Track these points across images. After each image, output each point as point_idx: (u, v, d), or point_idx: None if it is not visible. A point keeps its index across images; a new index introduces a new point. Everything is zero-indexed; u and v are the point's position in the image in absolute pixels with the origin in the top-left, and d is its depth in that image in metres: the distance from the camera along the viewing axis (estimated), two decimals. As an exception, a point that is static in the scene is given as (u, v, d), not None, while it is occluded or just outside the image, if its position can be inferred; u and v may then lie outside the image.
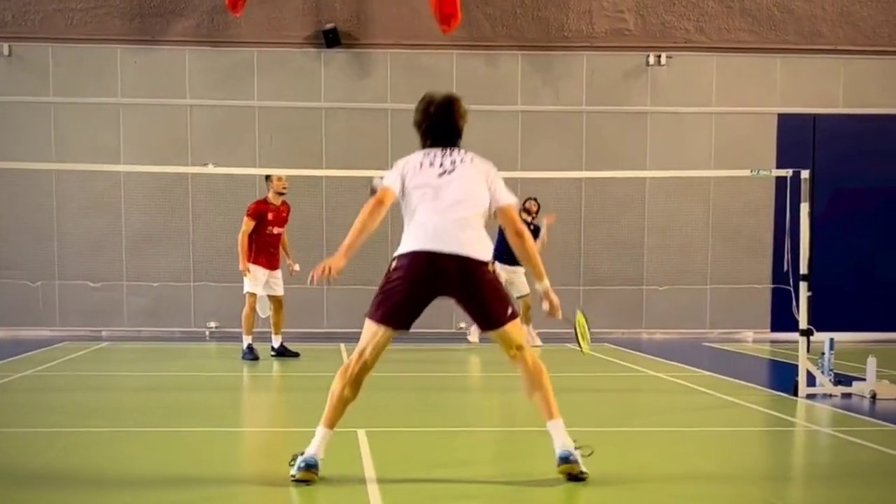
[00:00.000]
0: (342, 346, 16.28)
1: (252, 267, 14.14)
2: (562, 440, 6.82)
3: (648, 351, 16.16)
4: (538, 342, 16.02)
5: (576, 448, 6.78)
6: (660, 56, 19.23)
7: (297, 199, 16.88)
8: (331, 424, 6.72)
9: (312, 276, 6.73)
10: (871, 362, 11.09)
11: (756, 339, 19.02)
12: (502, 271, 14.69)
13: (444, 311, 17.85)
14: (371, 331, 6.83)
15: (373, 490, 6.54)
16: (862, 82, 19.48)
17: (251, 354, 14.15)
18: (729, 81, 19.42)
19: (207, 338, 18.26)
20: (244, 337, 14.31)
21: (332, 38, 18.63)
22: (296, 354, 14.63)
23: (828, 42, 19.41)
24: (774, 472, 7.81)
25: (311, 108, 18.95)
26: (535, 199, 16.69)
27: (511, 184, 19.23)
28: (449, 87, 18.80)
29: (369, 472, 7.07)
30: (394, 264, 6.88)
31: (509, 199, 7.03)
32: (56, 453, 7.78)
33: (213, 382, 12.57)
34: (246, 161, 17.88)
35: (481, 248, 6.78)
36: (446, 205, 6.75)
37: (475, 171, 6.97)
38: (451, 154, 7.00)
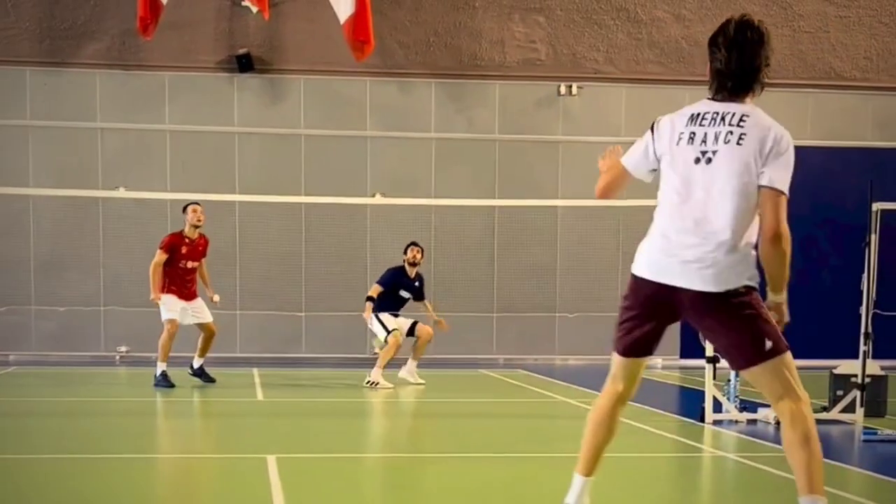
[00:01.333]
0: (255, 370, 16.20)
1: (165, 296, 13.98)
2: None
3: (561, 377, 16.28)
4: (417, 380, 15.00)
5: None
6: (571, 86, 19.45)
7: (210, 224, 16.77)
8: (590, 472, 6.13)
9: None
10: (776, 389, 11.28)
11: (665, 366, 19.22)
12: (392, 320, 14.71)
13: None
14: (615, 362, 6.04)
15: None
16: (767, 114, 19.82)
17: (165, 382, 13.89)
18: (639, 111, 19.65)
19: (118, 362, 18.04)
20: (159, 363, 14.06)
21: (245, 63, 18.58)
22: (212, 380, 14.49)
23: (734, 73, 19.77)
24: (680, 497, 7.92)
25: (224, 132, 18.87)
26: (419, 245, 15.25)
27: (425, 210, 19.35)
28: (363, 114, 19.04)
29: (277, 496, 7.04)
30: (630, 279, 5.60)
31: (780, 185, 5.26)
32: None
33: (125, 408, 12.44)
34: (157, 185, 17.76)
35: (730, 277, 5.23)
36: (696, 217, 5.32)
37: (740, 156, 5.29)
38: (721, 122, 5.43)
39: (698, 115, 5.53)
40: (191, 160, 18.70)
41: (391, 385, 14.29)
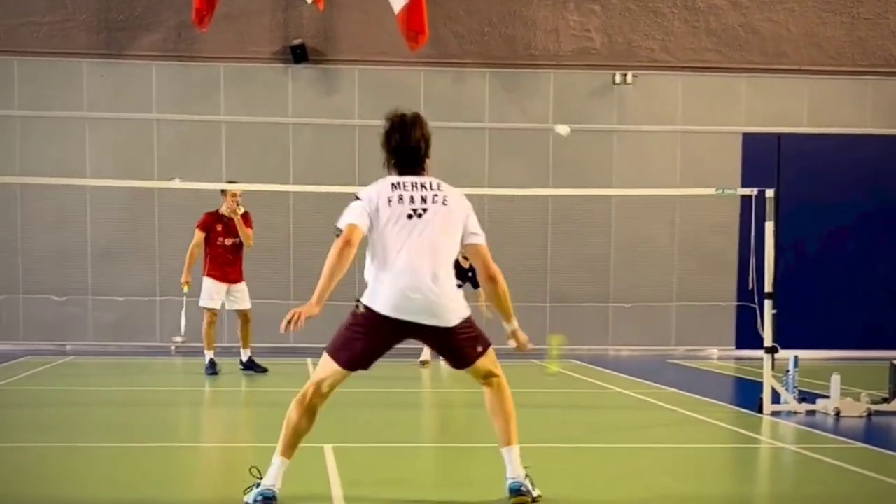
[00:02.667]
0: (308, 360, 16.23)
1: (205, 280, 14.06)
2: (515, 469, 6.75)
3: (614, 368, 16.19)
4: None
5: (526, 477, 6.72)
6: (626, 75, 19.32)
7: (263, 214, 16.87)
8: (288, 454, 6.54)
9: (286, 322, 6.45)
10: (836, 380, 11.16)
11: (721, 357, 19.10)
12: None
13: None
14: (331, 368, 6.66)
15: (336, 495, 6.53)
16: (826, 102, 19.64)
17: (212, 369, 14.07)
18: (694, 100, 19.54)
19: (173, 353, 18.14)
20: (206, 352, 14.27)
21: (299, 54, 18.61)
22: (264, 370, 14.55)
23: (792, 62, 19.57)
24: (740, 489, 7.84)
25: (278, 123, 18.92)
26: None
27: (478, 200, 19.27)
28: (416, 104, 18.88)
29: (336, 489, 7.05)
30: (360, 309, 6.67)
31: (481, 238, 6.86)
32: (15, 469, 7.72)
33: (178, 398, 12.51)
34: (212, 176, 17.81)
35: (456, 309, 6.62)
36: (418, 259, 6.45)
37: (449, 213, 6.63)
38: (421, 188, 6.67)
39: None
40: (245, 151, 18.77)
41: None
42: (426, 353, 15.41)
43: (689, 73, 19.51)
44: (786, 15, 19.52)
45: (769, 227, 11.24)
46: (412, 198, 6.56)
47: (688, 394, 12.95)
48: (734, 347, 19.42)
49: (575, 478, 7.61)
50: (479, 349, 6.75)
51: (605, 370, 15.95)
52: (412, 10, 17.61)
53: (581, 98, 19.38)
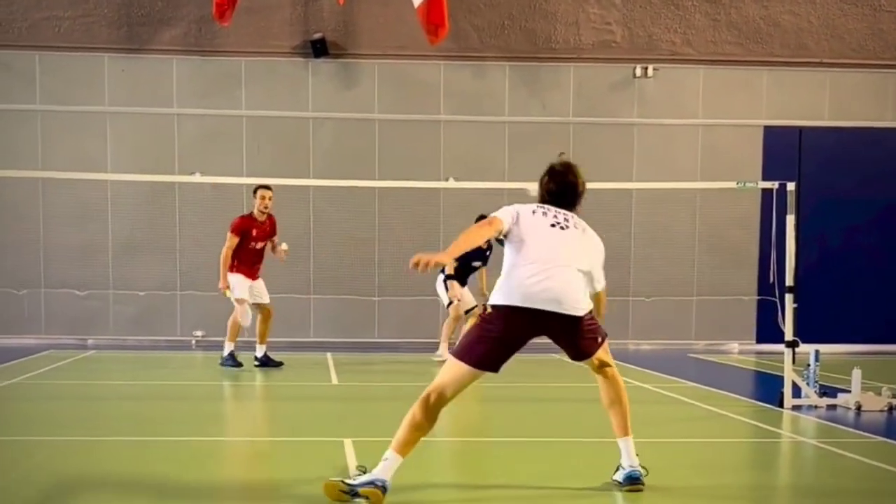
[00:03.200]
0: (328, 355, 16.27)
1: (233, 276, 14.10)
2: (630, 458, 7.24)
3: (634, 362, 16.15)
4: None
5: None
6: (647, 68, 19.26)
7: (283, 208, 16.88)
8: (403, 452, 6.70)
9: (414, 262, 6.47)
10: (857, 374, 11.12)
11: (741, 351, 19.05)
12: (458, 289, 15.07)
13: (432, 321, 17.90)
14: (460, 371, 6.82)
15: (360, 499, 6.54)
16: (848, 95, 19.55)
17: (233, 361, 14.10)
18: (715, 94, 19.48)
19: (193, 347, 18.21)
20: (227, 343, 14.29)
21: (319, 48, 18.63)
22: (279, 364, 14.57)
23: (814, 55, 19.48)
24: (760, 483, 7.81)
25: (299, 117, 18.93)
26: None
27: (497, 195, 19.29)
28: (436, 98, 19.02)
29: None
30: (490, 310, 6.83)
31: (602, 281, 7.39)
32: (37, 463, 7.75)
33: (199, 392, 12.54)
34: (233, 170, 17.86)
35: (583, 303, 6.95)
36: (551, 259, 6.78)
37: (586, 239, 7.20)
38: (564, 213, 7.16)
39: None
40: (266, 145, 18.80)
41: None
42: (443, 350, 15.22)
43: (710, 66, 19.44)
44: (807, 7, 19.43)
45: (790, 220, 11.21)
46: (556, 215, 7.07)
47: (708, 388, 12.92)
48: (755, 341, 19.38)
49: (596, 472, 7.60)
50: (599, 340, 7.13)
51: (625, 364, 15.88)
52: (432, 4, 17.59)
53: (601, 91, 19.34)
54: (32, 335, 18.49)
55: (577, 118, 19.25)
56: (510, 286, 6.72)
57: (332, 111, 18.98)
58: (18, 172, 16.98)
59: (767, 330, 17.27)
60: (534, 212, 7.01)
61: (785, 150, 19.01)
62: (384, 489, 6.45)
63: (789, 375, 11.09)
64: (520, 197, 18.51)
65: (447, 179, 17.95)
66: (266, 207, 14.28)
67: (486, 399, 11.71)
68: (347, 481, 6.53)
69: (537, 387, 13.23)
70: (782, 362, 11.23)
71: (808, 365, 11.31)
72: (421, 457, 7.09)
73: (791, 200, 11.27)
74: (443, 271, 15.18)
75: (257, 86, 18.93)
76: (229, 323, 14.22)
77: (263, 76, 18.95)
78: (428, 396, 6.74)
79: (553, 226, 6.95)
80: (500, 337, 6.70)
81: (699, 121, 19.49)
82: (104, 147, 18.56)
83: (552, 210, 7.09)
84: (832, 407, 11.05)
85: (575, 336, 6.90)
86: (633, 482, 6.97)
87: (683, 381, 13.71)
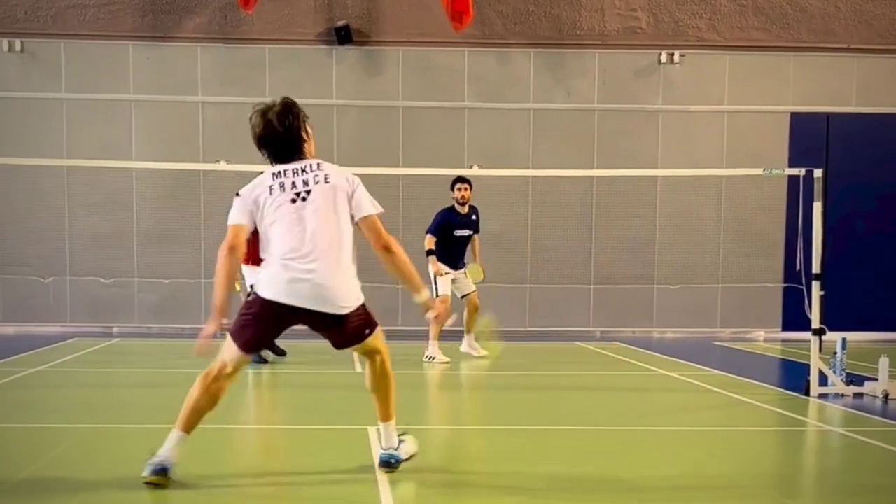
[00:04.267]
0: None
1: (248, 267, 13.90)
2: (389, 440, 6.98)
3: (659, 350, 16.11)
4: (480, 353, 14.65)
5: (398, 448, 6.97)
6: (672, 54, 19.18)
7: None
8: (188, 429, 6.74)
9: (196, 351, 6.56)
10: (884, 362, 11.05)
11: (767, 339, 18.96)
12: (447, 272, 14.29)
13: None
14: (233, 350, 6.77)
15: (383, 486, 6.52)
16: (875, 81, 19.41)
17: (258, 358, 13.82)
18: (741, 80, 19.36)
19: (218, 335, 18.20)
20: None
21: (343, 35, 18.61)
22: (283, 353, 14.40)
23: (841, 41, 19.33)
24: (787, 472, 7.77)
25: (323, 105, 18.90)
26: (467, 180, 14.54)
27: (522, 181, 19.17)
28: (460, 85, 18.96)
29: (378, 462, 7.06)
30: (252, 297, 6.73)
31: (370, 210, 6.63)
32: (64, 450, 7.78)
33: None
34: (257, 158, 17.74)
35: (346, 297, 6.56)
36: (306, 245, 6.41)
37: (331, 192, 6.57)
38: (302, 173, 6.62)
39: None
40: (290, 133, 18.76)
41: (447, 359, 14.14)
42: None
43: (736, 52, 19.32)
44: (834, -8, 19.32)
45: (817, 207, 11.13)
46: (293, 183, 6.54)
47: (734, 376, 12.86)
48: (780, 329, 19.29)
49: (620, 460, 7.57)
50: (368, 332, 6.71)
51: (649, 352, 15.87)
52: (456, -9, 17.59)
53: (627, 78, 19.25)
54: (58, 323, 18.58)
55: (602, 105, 19.17)
56: (267, 277, 6.56)
57: (356, 99, 18.96)
58: (44, 161, 17.05)
59: (794, 318, 17.22)
60: (271, 188, 6.53)
61: (812, 136, 18.86)
62: (166, 471, 6.54)
63: (816, 363, 11.02)
64: (545, 185, 18.57)
65: (471, 167, 17.90)
66: None
67: (515, 388, 11.70)
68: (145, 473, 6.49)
69: (562, 375, 13.21)
70: (808, 350, 11.16)
71: (835, 353, 11.24)
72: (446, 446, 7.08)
73: (818, 187, 11.19)
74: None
75: (281, 73, 18.93)
76: None
77: (287, 64, 18.95)
78: (208, 373, 6.87)
79: (294, 200, 6.47)
80: (260, 324, 6.66)
81: (725, 107, 19.38)
82: (129, 135, 18.61)
83: (288, 176, 6.59)
84: (859, 395, 10.98)
85: (340, 329, 6.58)
86: (386, 465, 6.85)
87: (709, 369, 13.65)
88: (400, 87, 19.02)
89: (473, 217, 14.53)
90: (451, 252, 14.33)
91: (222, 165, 14.74)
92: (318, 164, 6.69)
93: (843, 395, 10.94)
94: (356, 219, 6.55)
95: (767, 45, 19.28)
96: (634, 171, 17.81)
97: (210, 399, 6.70)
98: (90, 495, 6.35)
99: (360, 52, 19.03)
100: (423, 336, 14.31)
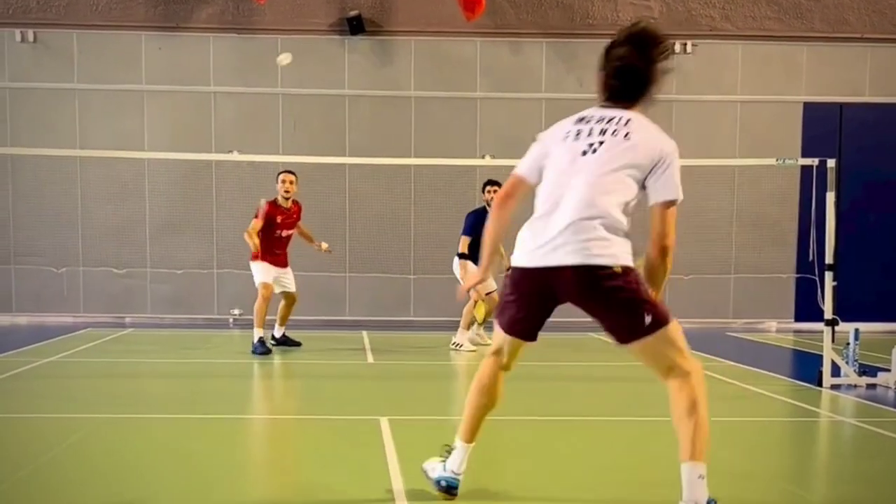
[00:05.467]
0: (364, 333, 16.29)
1: (258, 264, 13.82)
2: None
3: (672, 340, 16.06)
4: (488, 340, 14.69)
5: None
6: (685, 44, 19.14)
7: (319, 186, 16.98)
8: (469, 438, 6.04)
9: (462, 292, 6.19)
10: (897, 353, 11.03)
11: (780, 329, 18.93)
12: (472, 269, 14.23)
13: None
14: (500, 335, 5.86)
15: (395, 477, 6.54)
16: (889, 71, 19.33)
17: (262, 348, 13.70)
18: (754, 70, 19.31)
19: (231, 325, 18.27)
20: (255, 330, 13.83)
21: (356, 25, 18.60)
22: (297, 344, 14.45)
23: (854, 30, 19.26)
24: (799, 463, 7.76)
25: (335, 95, 18.93)
26: (497, 183, 14.30)
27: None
28: (472, 75, 18.92)
29: (392, 458, 7.06)
30: (508, 271, 5.82)
31: (668, 196, 5.65)
32: (77, 440, 7.80)
33: (235, 370, 12.56)
34: (269, 148, 17.91)
35: (615, 251, 5.48)
36: (571, 200, 5.40)
37: (626, 150, 5.50)
38: (612, 121, 5.61)
39: (584, 118, 5.75)
40: (302, 123, 18.81)
41: (474, 348, 14.22)
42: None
43: (749, 42, 19.27)
44: (848, -18, 19.25)
45: (830, 197, 11.10)
46: (591, 132, 5.61)
47: (746, 367, 12.85)
48: (793, 320, 19.25)
49: (632, 450, 7.57)
50: (648, 320, 5.59)
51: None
52: (468, -19, 17.57)
53: (639, 68, 19.17)
54: (70, 313, 18.64)
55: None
56: (522, 239, 5.59)
57: (369, 88, 18.96)
58: (57, 151, 17.09)
59: (806, 308, 17.21)
60: (566, 135, 5.66)
61: (825, 126, 18.82)
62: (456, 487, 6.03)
63: (828, 354, 11.01)
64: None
65: (483, 157, 17.93)
66: (288, 192, 13.88)
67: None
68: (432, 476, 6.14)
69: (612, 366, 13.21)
70: (821, 341, 11.15)
71: (848, 343, 11.22)
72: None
73: (831, 177, 11.16)
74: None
75: (294, 63, 18.90)
76: (255, 309, 13.95)
77: (300, 54, 18.87)
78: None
79: (584, 154, 5.47)
80: (517, 303, 5.69)
81: (738, 97, 19.33)
82: (141, 125, 18.63)
83: (594, 120, 5.64)
84: (872, 386, 10.97)
85: (607, 301, 5.46)
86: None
87: (721, 359, 13.63)
88: (412, 77, 19.01)
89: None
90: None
91: (234, 156, 14.77)
92: (636, 118, 5.77)
93: (855, 386, 10.93)
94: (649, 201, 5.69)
95: (781, 34, 19.22)
96: (647, 162, 17.72)
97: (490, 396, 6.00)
98: (105, 485, 6.37)
99: (373, 42, 19.02)
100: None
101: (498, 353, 5.88)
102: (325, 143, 18.12)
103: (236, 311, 18.48)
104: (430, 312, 18.54)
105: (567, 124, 5.77)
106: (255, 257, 13.86)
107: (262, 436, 8.70)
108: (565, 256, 5.31)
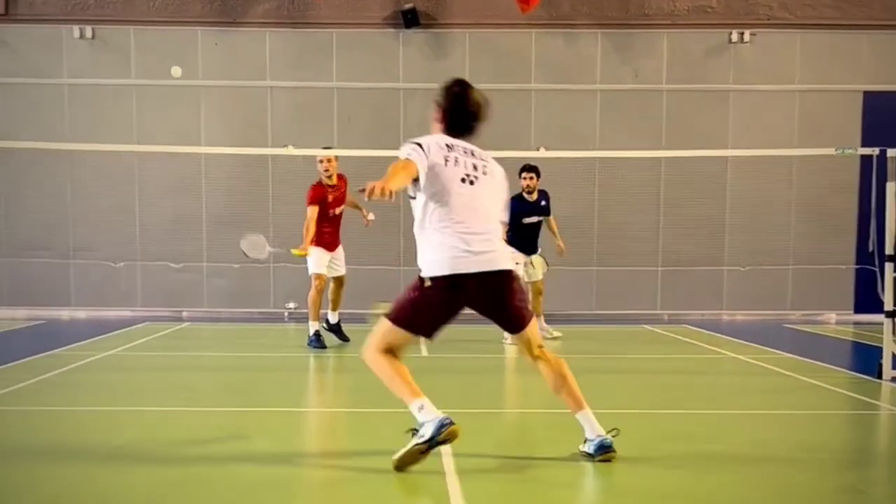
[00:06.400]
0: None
1: (314, 248, 13.85)
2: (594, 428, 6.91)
3: (728, 333, 15.96)
4: (555, 333, 14.86)
5: (608, 432, 6.88)
6: (742, 33, 18.95)
7: (373, 179, 16.88)
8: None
9: (368, 191, 6.46)
10: (959, 345, 10.86)
11: (839, 321, 18.70)
12: (519, 259, 14.32)
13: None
14: (401, 336, 6.82)
15: (448, 466, 6.53)
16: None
17: (318, 342, 13.70)
18: (813, 58, 19.08)
19: (286, 319, 18.36)
20: (311, 323, 13.87)
21: (410, 18, 18.61)
22: (346, 339, 14.34)
23: (916, 18, 19.00)
24: (859, 456, 7.66)
25: (390, 88, 18.95)
26: (532, 169, 14.75)
27: (589, 163, 19.07)
28: (527, 67, 18.88)
29: (447, 454, 7.06)
30: (427, 282, 6.78)
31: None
32: (138, 432, 7.87)
33: (289, 363, 12.61)
34: (324, 142, 17.91)
35: (507, 257, 6.86)
36: (476, 220, 6.70)
37: (498, 187, 7.01)
38: (473, 156, 6.92)
39: (450, 145, 6.94)
40: (357, 117, 18.84)
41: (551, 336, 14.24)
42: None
43: (807, 31, 19.04)
44: (909, -32, 18.96)
45: (891, 187, 10.94)
46: (465, 163, 6.82)
47: (804, 359, 12.71)
48: (853, 312, 19.02)
49: (688, 442, 7.51)
50: (528, 314, 7.02)
51: (718, 335, 15.73)
52: (523, -28, 17.51)
53: (696, 58, 19.05)
54: (128, 307, 18.82)
55: (671, 85, 19.00)
56: (442, 254, 6.77)
57: (423, 81, 18.91)
58: (115, 147, 17.25)
59: (866, 300, 16.98)
60: (446, 160, 6.79)
61: (885, 115, 18.55)
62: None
63: (889, 346, 10.86)
64: (612, 167, 18.46)
65: (538, 149, 17.84)
66: (328, 171, 13.82)
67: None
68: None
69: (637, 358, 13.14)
70: (881, 333, 11.00)
71: (909, 335, 11.06)
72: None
73: (892, 167, 11.00)
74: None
75: (348, 57, 18.97)
76: (309, 301, 13.89)
77: (355, 48, 18.98)
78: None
79: (464, 181, 6.75)
80: (437, 308, 6.82)
81: (796, 86, 19.11)
82: (198, 120, 18.76)
83: (461, 152, 6.90)
84: (933, 378, 10.81)
85: (506, 299, 6.84)
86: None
87: (779, 351, 13.50)
88: (467, 70, 18.94)
89: (543, 203, 14.62)
90: (523, 239, 14.42)
91: (290, 150, 14.78)
92: (484, 155, 7.11)
93: (917, 379, 10.79)
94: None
95: (840, 23, 18.97)
96: (704, 152, 17.56)
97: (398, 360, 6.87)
98: (162, 475, 6.41)
99: (427, 34, 19.02)
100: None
101: (391, 350, 6.81)
102: (379, 136, 18.13)
103: (291, 305, 18.55)
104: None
105: (440, 147, 6.89)
106: (310, 245, 13.77)
107: (315, 428, 8.72)
108: (482, 264, 6.62)
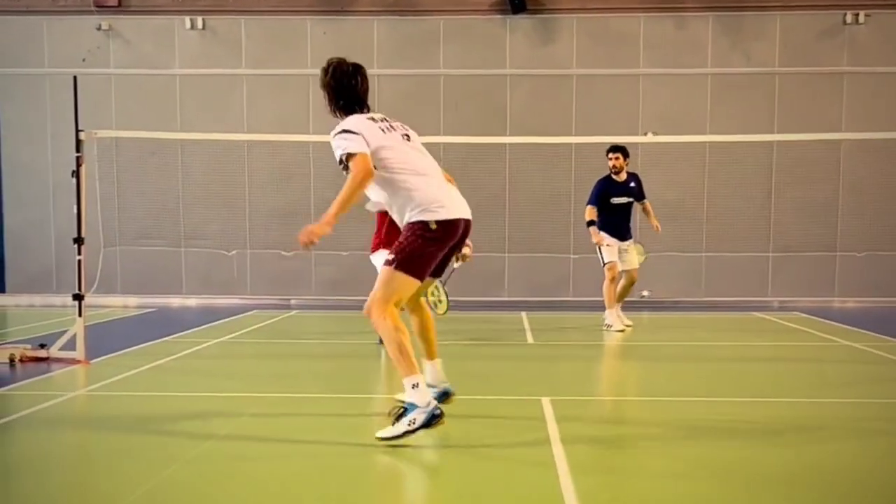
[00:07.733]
0: (523, 314, 16.22)
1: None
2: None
3: (841, 320, 15.61)
4: (627, 322, 14.49)
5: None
6: (857, 14, 18.52)
7: (479, 165, 16.94)
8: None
9: (302, 242, 7.10)
10: None
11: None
12: (614, 245, 14.19)
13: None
14: (409, 284, 7.18)
15: (558, 452, 6.48)
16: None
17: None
18: (931, 38, 18.59)
19: (394, 306, 18.39)
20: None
21: (517, 4, 18.53)
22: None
23: None
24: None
25: (496, 75, 18.90)
26: (618, 150, 14.39)
27: (699, 147, 18.83)
28: (636, 51, 18.67)
29: (553, 433, 7.01)
30: (434, 227, 7.03)
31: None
32: (249, 417, 7.94)
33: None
34: (431, 129, 17.94)
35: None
36: (436, 172, 7.34)
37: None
38: (388, 121, 7.43)
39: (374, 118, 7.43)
40: (463, 103, 18.83)
41: (622, 327, 14.05)
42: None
43: (925, 9, 18.57)
44: None
45: None
46: (395, 127, 7.39)
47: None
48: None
49: (802, 431, 7.35)
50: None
51: (831, 322, 15.40)
52: (630, -44, 17.34)
53: (809, 40, 18.67)
54: (237, 295, 19.06)
55: (783, 68, 18.65)
56: (439, 202, 7.17)
57: (530, 68, 18.87)
58: (225, 135, 17.49)
59: None
60: (382, 130, 7.24)
61: None
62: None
63: None
64: (723, 151, 18.17)
65: (646, 134, 17.65)
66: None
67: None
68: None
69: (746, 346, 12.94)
70: None
71: None
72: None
73: None
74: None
75: (455, 45, 18.97)
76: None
77: (461, 34, 18.97)
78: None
79: (405, 139, 7.36)
80: (441, 251, 7.22)
81: (914, 68, 18.64)
82: (307, 109, 18.89)
83: (380, 120, 7.40)
84: None
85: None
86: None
87: (893, 339, 13.16)
88: (574, 55, 18.85)
89: (632, 184, 14.35)
90: (613, 220, 14.22)
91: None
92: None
93: None
94: None
95: (961, 1, 18.47)
96: (817, 136, 17.20)
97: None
98: (272, 460, 6.46)
99: (534, 20, 18.92)
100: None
101: (398, 303, 7.29)
102: (486, 122, 18.11)
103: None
104: (588, 293, 18.32)
105: (367, 122, 7.36)
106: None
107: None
108: (468, 212, 7.26)
